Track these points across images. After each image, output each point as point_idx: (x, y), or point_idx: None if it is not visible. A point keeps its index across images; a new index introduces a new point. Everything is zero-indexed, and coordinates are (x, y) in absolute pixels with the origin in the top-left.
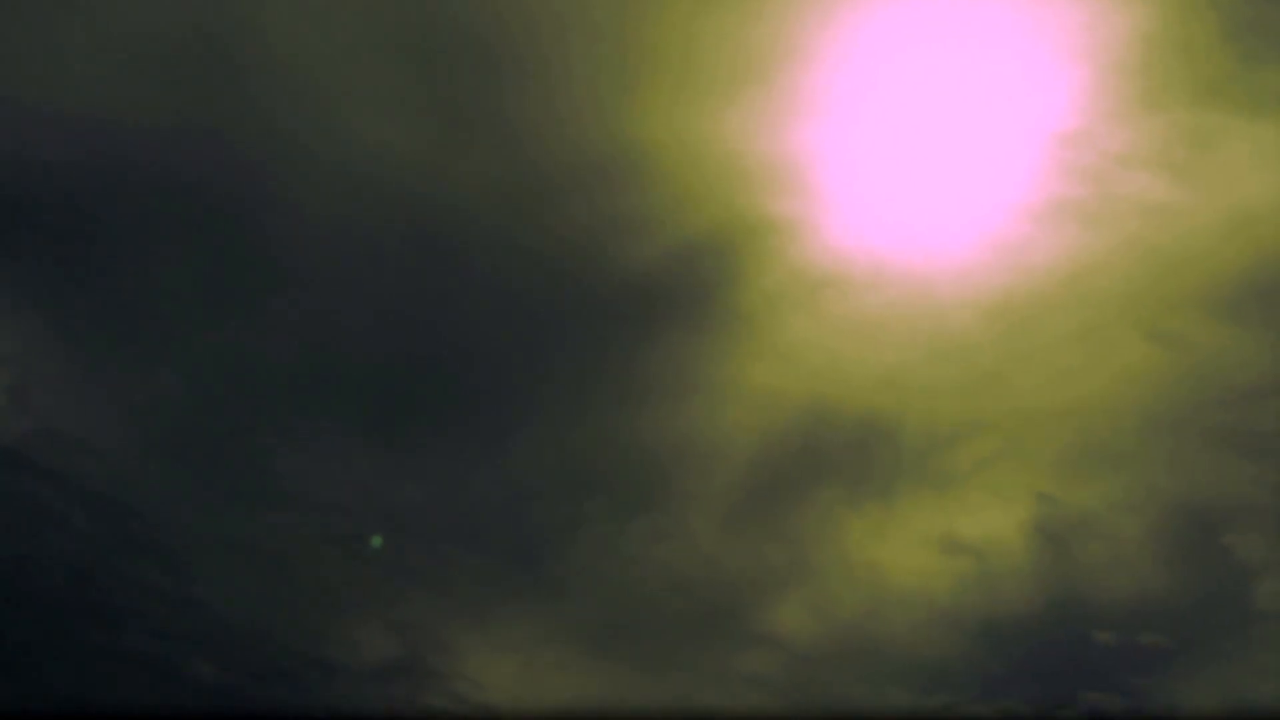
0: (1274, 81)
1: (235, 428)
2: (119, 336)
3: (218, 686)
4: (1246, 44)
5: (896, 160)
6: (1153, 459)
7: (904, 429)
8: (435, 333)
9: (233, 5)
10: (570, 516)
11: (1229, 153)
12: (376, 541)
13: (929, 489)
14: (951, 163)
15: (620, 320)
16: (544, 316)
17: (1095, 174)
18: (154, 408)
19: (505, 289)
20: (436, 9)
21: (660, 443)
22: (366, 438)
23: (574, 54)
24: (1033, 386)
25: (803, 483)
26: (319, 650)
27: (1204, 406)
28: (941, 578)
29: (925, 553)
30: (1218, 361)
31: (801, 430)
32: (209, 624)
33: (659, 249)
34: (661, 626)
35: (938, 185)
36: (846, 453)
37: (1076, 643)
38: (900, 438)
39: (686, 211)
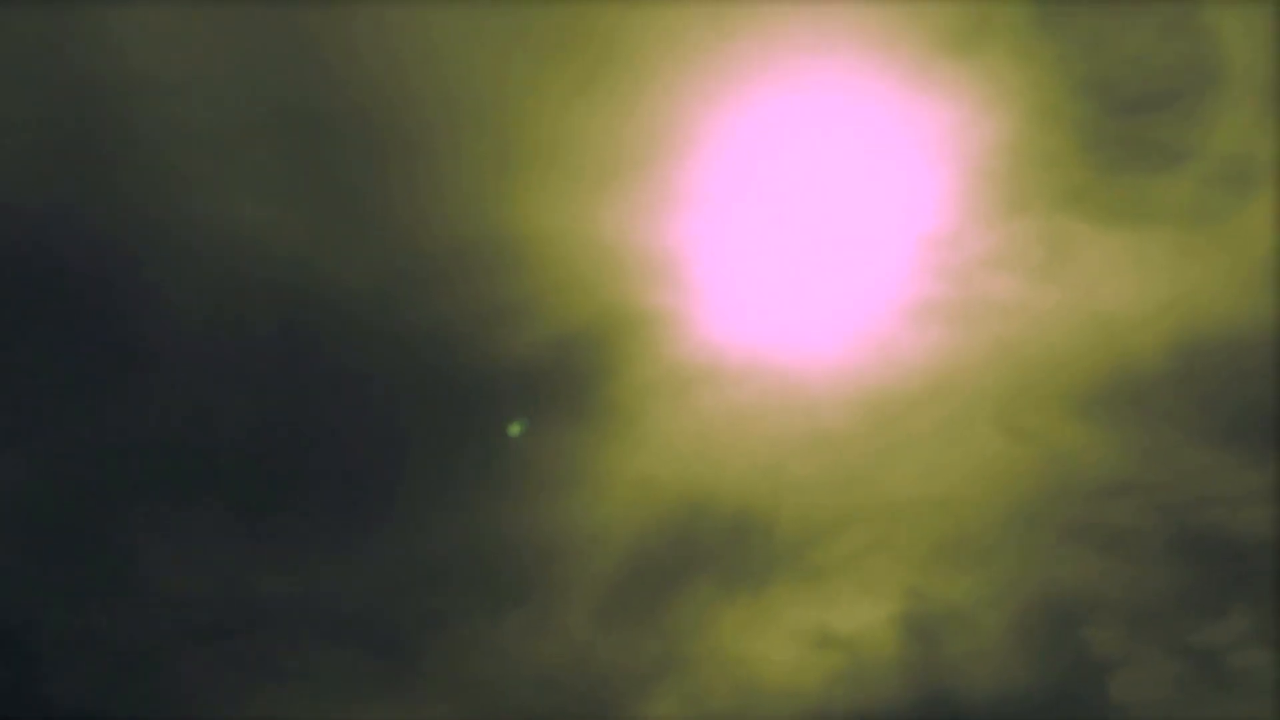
0: (1125, 191)
1: (90, 516)
2: None
3: None
4: (1101, 155)
5: (771, 257)
6: (1014, 554)
7: (778, 522)
8: (305, 421)
9: (101, 86)
10: (441, 610)
11: (1085, 258)
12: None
13: (802, 582)
14: (824, 261)
15: (494, 411)
16: (418, 406)
17: (960, 275)
18: (1, 494)
19: (378, 377)
20: (308, 95)
21: (534, 535)
22: (231, 528)
23: (451, 143)
24: (901, 481)
25: (677, 576)
26: None
27: (1062, 503)
28: (813, 672)
29: (798, 646)
30: (1074, 459)
31: (676, 523)
32: None
33: (535, 340)
34: None
35: (811, 282)
36: (721, 546)
37: None
38: (774, 531)
39: (563, 303)
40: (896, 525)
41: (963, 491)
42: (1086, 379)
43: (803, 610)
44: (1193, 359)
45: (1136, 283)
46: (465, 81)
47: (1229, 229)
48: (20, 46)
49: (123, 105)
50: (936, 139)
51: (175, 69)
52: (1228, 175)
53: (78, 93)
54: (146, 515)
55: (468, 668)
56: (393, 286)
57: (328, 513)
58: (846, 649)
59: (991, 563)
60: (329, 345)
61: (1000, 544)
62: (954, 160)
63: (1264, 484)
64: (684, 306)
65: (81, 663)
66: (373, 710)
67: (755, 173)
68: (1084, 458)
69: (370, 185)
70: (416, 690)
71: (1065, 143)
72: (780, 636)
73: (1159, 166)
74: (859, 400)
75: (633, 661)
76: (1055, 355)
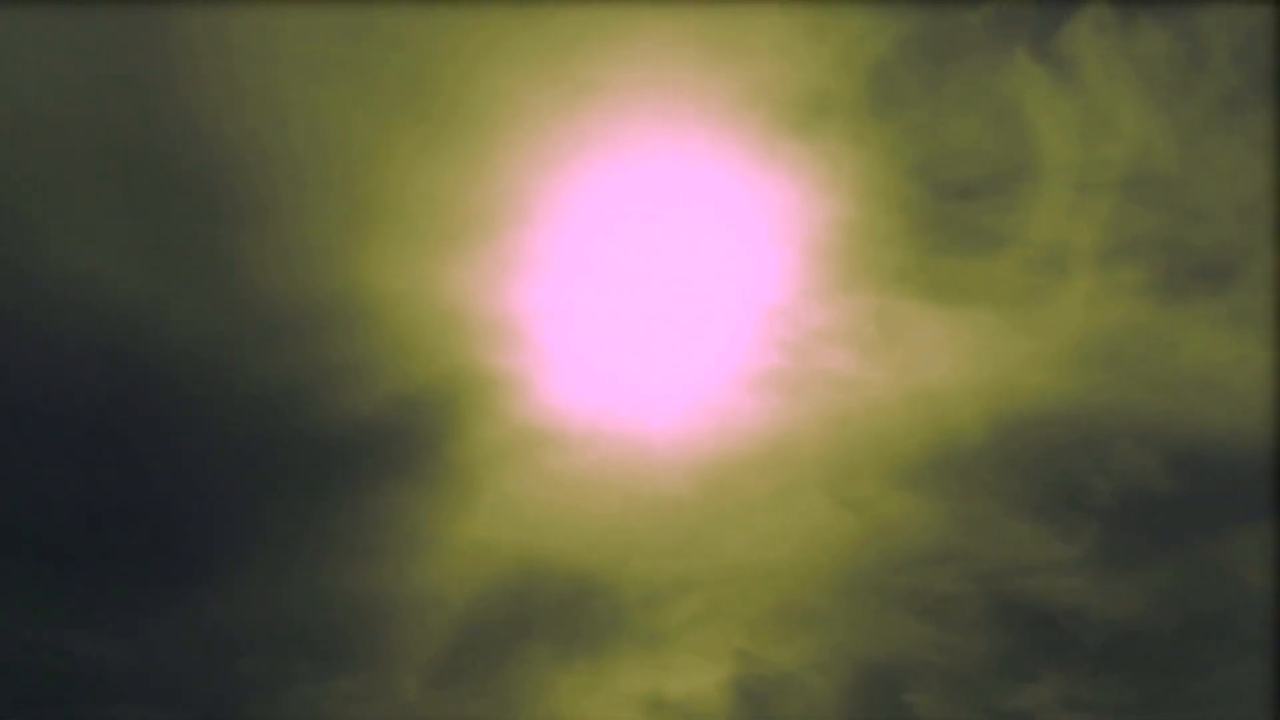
0: (950, 272)
1: None
2: None
3: None
4: (929, 237)
5: (614, 325)
6: (842, 619)
7: (615, 586)
8: (137, 477)
9: None
10: (275, 674)
11: (912, 335)
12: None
13: (637, 647)
14: (666, 329)
15: (335, 470)
16: (256, 464)
17: (796, 348)
18: None
19: (216, 434)
20: (154, 145)
21: (371, 597)
22: (45, 587)
23: (297, 200)
24: (735, 547)
25: (513, 640)
26: None
27: (886, 570)
28: None
29: (631, 711)
30: (898, 528)
31: (513, 587)
32: None
33: (378, 399)
34: None
35: (653, 350)
36: (558, 610)
37: None
38: (611, 595)
39: (407, 363)
40: (729, 590)
41: (793, 558)
42: (911, 451)
43: (637, 675)
44: (1010, 434)
45: (959, 360)
46: (312, 139)
47: (1045, 311)
48: None
49: None
50: (775, 215)
51: (16, 113)
52: (1044, 260)
53: None
54: None
55: None
56: (233, 342)
57: (150, 572)
58: (678, 713)
59: (820, 628)
60: (162, 400)
61: (828, 610)
62: (791, 236)
63: (1075, 554)
64: (527, 370)
65: None
66: None
67: (600, 241)
68: (908, 527)
69: (213, 239)
70: None
71: (896, 224)
72: (614, 701)
73: (982, 250)
74: (696, 467)
75: None
76: (883, 427)
